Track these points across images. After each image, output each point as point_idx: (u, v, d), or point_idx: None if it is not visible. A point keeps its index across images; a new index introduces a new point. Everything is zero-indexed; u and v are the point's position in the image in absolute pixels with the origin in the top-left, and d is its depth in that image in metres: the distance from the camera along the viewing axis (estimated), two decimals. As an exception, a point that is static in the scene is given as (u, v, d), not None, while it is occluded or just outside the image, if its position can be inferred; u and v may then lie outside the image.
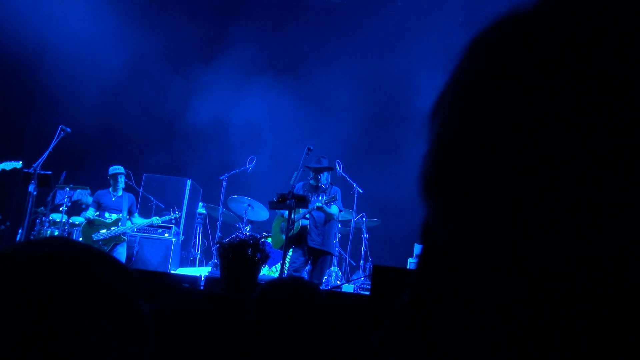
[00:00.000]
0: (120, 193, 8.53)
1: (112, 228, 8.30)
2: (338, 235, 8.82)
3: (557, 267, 0.33)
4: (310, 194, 7.09)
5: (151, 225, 8.85)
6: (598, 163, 0.32)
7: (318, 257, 7.20)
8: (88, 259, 0.76)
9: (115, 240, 8.31)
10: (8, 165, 7.62)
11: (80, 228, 8.40)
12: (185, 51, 11.69)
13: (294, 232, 7.09)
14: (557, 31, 0.35)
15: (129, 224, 8.48)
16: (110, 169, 8.55)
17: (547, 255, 0.33)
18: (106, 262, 0.79)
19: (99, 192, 8.54)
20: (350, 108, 10.82)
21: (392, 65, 10.66)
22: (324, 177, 7.27)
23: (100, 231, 8.27)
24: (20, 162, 7.63)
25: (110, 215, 8.37)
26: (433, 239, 0.42)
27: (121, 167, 8.58)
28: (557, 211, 0.33)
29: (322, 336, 2.04)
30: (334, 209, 7.13)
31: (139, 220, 8.64)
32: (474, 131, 0.37)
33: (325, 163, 7.30)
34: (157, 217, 8.73)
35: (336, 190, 7.30)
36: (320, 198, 7.08)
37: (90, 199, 8.65)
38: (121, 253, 8.35)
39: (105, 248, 8.10)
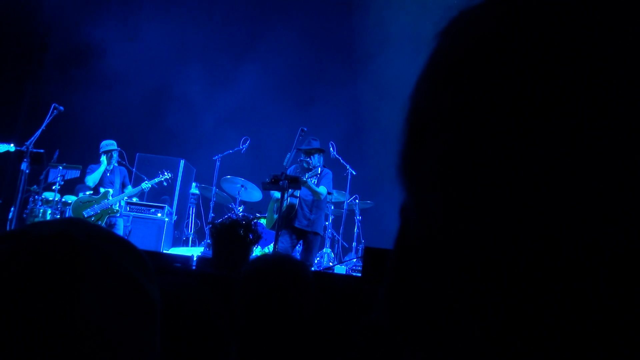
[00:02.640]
0: (111, 167, 8.55)
1: (103, 202, 8.32)
2: (331, 217, 8.84)
3: (514, 244, 0.35)
4: (302, 176, 7.08)
5: (148, 199, 8.83)
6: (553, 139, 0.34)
7: (306, 239, 7.20)
8: (97, 241, 0.76)
9: (108, 213, 8.33)
10: (2, 147, 7.59)
11: (71, 207, 8.40)
12: (179, 30, 11.61)
13: (282, 210, 7.10)
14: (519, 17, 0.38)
15: (118, 197, 8.51)
16: (103, 144, 8.55)
17: (508, 230, 0.35)
18: (116, 244, 0.78)
19: (92, 166, 8.53)
20: (344, 90, 10.79)
21: (386, 46, 10.62)
22: (315, 159, 7.25)
23: (91, 207, 8.30)
24: (13, 145, 7.59)
25: (99, 190, 8.39)
26: (407, 218, 0.44)
27: (114, 142, 8.58)
28: (514, 184, 0.35)
29: (308, 313, 2.04)
30: (321, 189, 7.08)
31: (129, 190, 8.66)
32: (438, 107, 0.40)
33: (316, 145, 7.27)
34: (147, 181, 8.74)
35: (327, 172, 7.28)
36: (307, 176, 7.06)
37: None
38: (118, 226, 8.40)
39: (100, 222, 8.14)
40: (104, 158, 8.44)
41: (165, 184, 8.99)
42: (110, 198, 8.37)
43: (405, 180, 0.44)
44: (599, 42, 0.35)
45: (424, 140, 0.41)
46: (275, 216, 7.18)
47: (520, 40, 0.37)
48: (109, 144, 8.55)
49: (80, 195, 8.51)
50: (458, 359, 0.39)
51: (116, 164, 8.62)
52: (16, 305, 0.68)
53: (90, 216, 8.21)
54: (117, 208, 8.45)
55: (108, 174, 8.51)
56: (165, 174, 8.83)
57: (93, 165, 8.53)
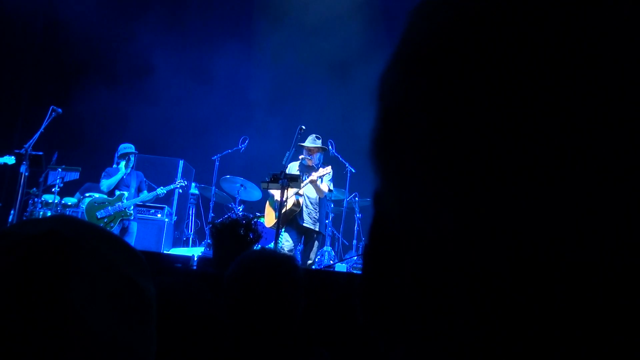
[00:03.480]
0: (129, 171, 8.48)
1: (117, 204, 8.28)
2: (331, 215, 8.83)
3: (500, 232, 0.34)
4: (303, 174, 7.09)
5: (156, 198, 8.79)
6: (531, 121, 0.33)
7: (309, 237, 7.22)
8: (87, 238, 0.75)
9: (121, 216, 8.28)
10: (9, 160, 7.61)
11: (85, 207, 8.37)
12: (176, 29, 11.60)
13: (286, 209, 7.09)
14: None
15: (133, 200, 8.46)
16: (122, 147, 8.47)
17: (490, 217, 0.34)
18: (108, 241, 0.78)
19: (109, 169, 8.47)
20: (343, 87, 10.78)
21: (384, 40, 10.61)
22: (317, 157, 7.27)
23: (104, 208, 8.27)
24: (12, 157, 7.58)
25: (115, 192, 8.35)
26: (383, 207, 0.42)
27: (132, 146, 8.51)
28: (496, 168, 0.34)
29: (300, 308, 2.01)
30: (325, 187, 7.12)
31: (144, 195, 8.60)
32: (414, 91, 0.38)
33: (319, 143, 7.30)
34: (162, 187, 8.69)
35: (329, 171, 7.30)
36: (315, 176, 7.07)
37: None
38: (131, 230, 8.36)
39: (112, 225, 8.11)
40: (122, 165, 8.35)
41: (180, 191, 8.94)
42: (125, 201, 8.32)
43: (380, 165, 0.42)
44: (587, 20, 0.33)
45: (401, 124, 0.39)
46: (277, 215, 7.18)
47: (503, 19, 0.35)
48: (127, 147, 8.47)
49: (95, 195, 8.47)
50: (438, 357, 0.38)
51: (132, 168, 8.56)
52: (6, 306, 0.67)
53: (103, 217, 8.16)
54: (131, 211, 8.37)
55: (124, 177, 8.45)
56: (182, 181, 8.81)
57: (110, 169, 8.44)
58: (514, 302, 0.34)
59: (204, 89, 11.33)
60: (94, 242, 0.76)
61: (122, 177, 8.39)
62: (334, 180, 7.53)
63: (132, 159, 8.48)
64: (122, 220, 8.28)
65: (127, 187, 8.40)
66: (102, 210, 8.22)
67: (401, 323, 0.40)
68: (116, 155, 8.47)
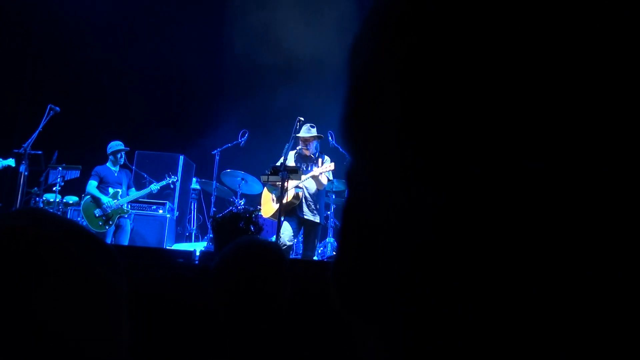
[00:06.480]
0: (118, 168, 8.57)
1: (114, 202, 8.33)
2: (333, 206, 8.84)
3: (480, 219, 0.31)
4: (300, 164, 7.10)
5: (150, 196, 8.86)
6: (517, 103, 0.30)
7: (309, 228, 7.21)
8: (52, 234, 0.74)
9: (119, 213, 8.34)
10: (12, 163, 7.62)
11: (82, 205, 8.41)
12: (172, 22, 11.58)
13: (287, 200, 7.11)
14: None
15: (128, 197, 8.51)
16: (112, 144, 8.55)
17: (469, 199, 0.31)
18: (75, 236, 0.76)
19: (98, 167, 8.55)
20: (341, 78, 10.75)
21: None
22: (313, 146, 7.25)
23: (101, 207, 8.32)
24: (13, 160, 7.61)
25: (108, 190, 8.39)
26: (356, 185, 0.39)
27: (122, 143, 8.59)
28: (476, 148, 0.31)
29: (285, 299, 2.01)
30: (324, 179, 7.13)
31: (139, 191, 8.68)
32: (391, 66, 0.35)
33: (313, 132, 7.28)
34: (155, 183, 8.79)
35: (326, 160, 7.29)
36: (309, 169, 7.08)
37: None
38: (126, 227, 8.42)
39: (111, 222, 8.22)
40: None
41: (172, 186, 9.06)
42: (120, 198, 8.38)
43: (352, 142, 0.39)
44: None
45: (375, 98, 0.35)
46: (274, 205, 7.19)
47: None
48: (118, 145, 8.55)
49: (93, 184, 8.50)
50: (409, 345, 0.35)
51: (120, 166, 8.62)
52: None
53: (102, 216, 8.23)
54: (127, 208, 8.46)
55: (116, 174, 8.54)
56: (172, 176, 8.90)
57: (100, 169, 8.49)
58: (490, 298, 0.31)
59: (203, 85, 11.31)
60: (59, 237, 0.74)
61: (113, 172, 8.49)
62: (334, 171, 7.53)
63: (123, 155, 8.56)
64: (119, 217, 8.34)
65: (120, 185, 8.50)
66: (99, 209, 8.27)
67: (373, 308, 0.38)
68: (108, 153, 8.56)
